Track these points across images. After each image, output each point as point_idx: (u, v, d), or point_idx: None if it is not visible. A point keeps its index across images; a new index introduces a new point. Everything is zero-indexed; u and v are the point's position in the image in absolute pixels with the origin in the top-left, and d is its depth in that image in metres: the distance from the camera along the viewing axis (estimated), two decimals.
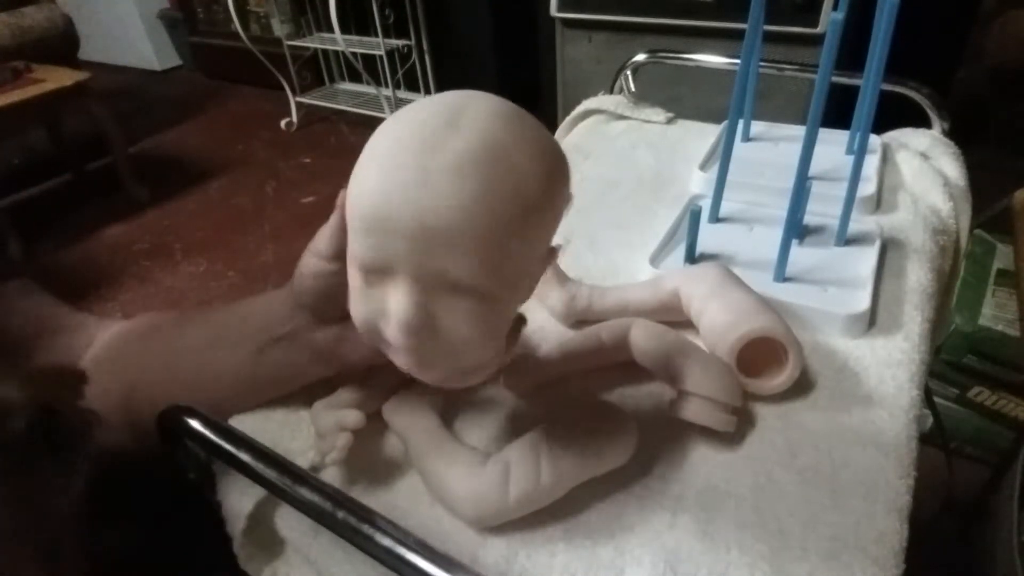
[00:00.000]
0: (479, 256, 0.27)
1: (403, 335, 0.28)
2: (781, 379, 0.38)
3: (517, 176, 0.27)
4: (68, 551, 0.34)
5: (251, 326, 0.39)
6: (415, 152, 0.27)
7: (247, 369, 0.39)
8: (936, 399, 1.07)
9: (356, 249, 0.28)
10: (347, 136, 2.74)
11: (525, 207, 0.28)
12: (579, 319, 0.45)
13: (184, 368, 0.41)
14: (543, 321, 0.47)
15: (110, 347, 0.44)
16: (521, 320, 0.35)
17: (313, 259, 0.34)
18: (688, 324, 0.44)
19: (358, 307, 0.30)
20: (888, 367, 0.41)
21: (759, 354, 0.39)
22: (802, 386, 0.40)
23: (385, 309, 0.28)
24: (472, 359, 0.30)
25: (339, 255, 0.33)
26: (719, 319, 0.40)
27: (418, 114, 0.29)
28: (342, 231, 0.32)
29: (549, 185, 0.29)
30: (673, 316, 0.44)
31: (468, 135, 0.27)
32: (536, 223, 0.29)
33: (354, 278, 0.30)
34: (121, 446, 0.41)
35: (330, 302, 0.35)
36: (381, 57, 2.45)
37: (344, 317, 0.33)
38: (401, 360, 0.30)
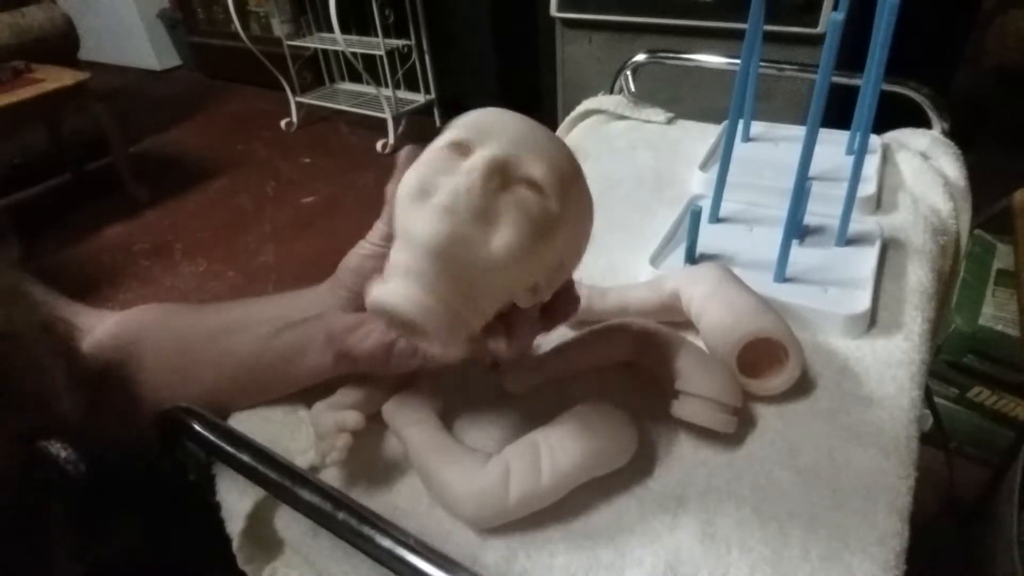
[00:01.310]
0: (549, 163, 0.29)
1: (474, 179, 0.27)
2: (781, 380, 0.38)
3: (565, 146, 0.31)
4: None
5: (272, 312, 0.40)
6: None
7: (255, 350, 0.39)
8: (936, 399, 1.07)
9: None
10: (347, 136, 2.74)
11: (572, 168, 0.31)
12: (579, 319, 0.45)
13: (196, 350, 0.41)
14: None
15: (122, 326, 0.43)
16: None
17: (364, 242, 0.39)
18: (688, 324, 0.44)
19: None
20: (888, 367, 0.41)
21: (759, 354, 0.39)
22: (802, 386, 0.40)
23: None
24: (506, 277, 0.28)
25: (388, 239, 0.35)
26: (719, 320, 0.40)
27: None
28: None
29: (578, 177, 0.31)
30: (673, 316, 0.44)
31: (518, 118, 0.30)
32: (571, 202, 0.30)
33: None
34: (118, 436, 0.41)
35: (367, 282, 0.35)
36: (381, 57, 2.45)
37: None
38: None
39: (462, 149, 0.29)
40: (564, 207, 0.29)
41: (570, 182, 0.30)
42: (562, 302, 0.34)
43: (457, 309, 0.28)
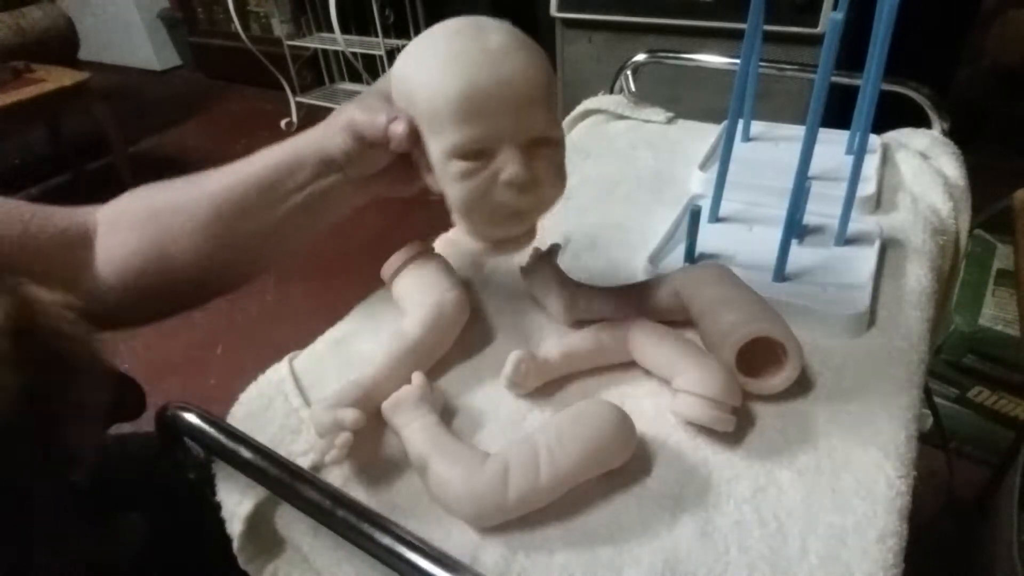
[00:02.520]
0: (551, 109, 0.35)
1: (521, 191, 0.35)
2: (780, 379, 0.38)
3: (542, 53, 0.35)
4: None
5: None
6: (466, 45, 0.33)
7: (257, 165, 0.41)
8: (936, 399, 1.07)
9: (453, 140, 0.34)
10: None
11: (552, 74, 0.36)
12: (579, 319, 0.45)
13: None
14: (543, 321, 0.47)
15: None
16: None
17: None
18: (688, 324, 0.44)
19: (461, 190, 0.35)
20: (888, 367, 0.41)
21: (759, 354, 0.39)
22: (802, 386, 0.40)
23: (494, 181, 0.34)
24: (553, 199, 0.37)
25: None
26: (719, 319, 0.40)
27: (440, 30, 0.36)
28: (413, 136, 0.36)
29: (552, 77, 0.36)
30: (673, 316, 0.44)
31: (497, 29, 0.34)
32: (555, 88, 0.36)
33: (449, 169, 0.35)
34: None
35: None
36: (381, 57, 2.45)
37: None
38: (503, 223, 0.37)
39: (477, 161, 0.34)
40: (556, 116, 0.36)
41: (555, 94, 0.36)
42: None
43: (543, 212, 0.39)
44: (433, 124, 0.34)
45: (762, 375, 0.39)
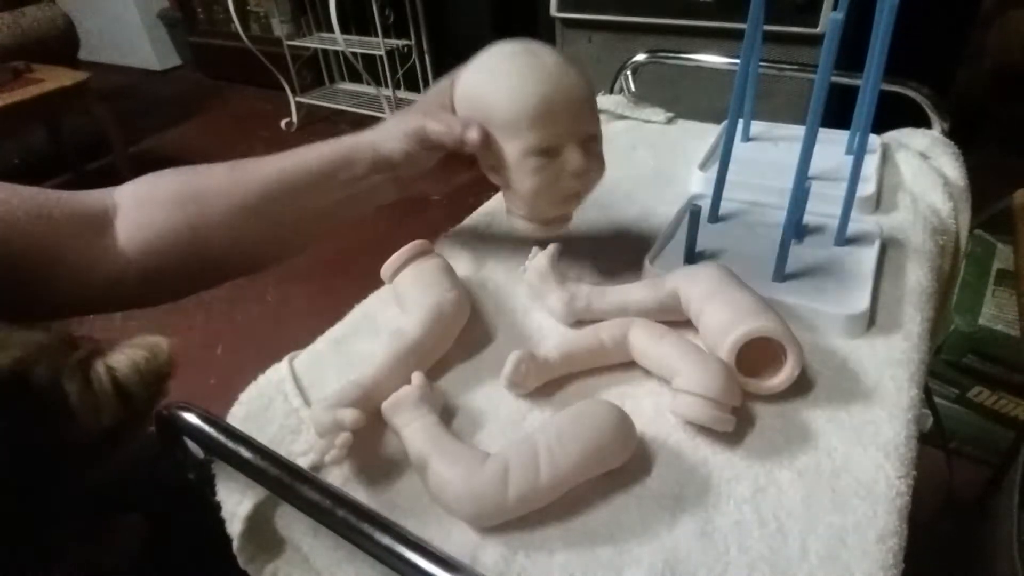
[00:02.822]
0: (596, 111, 0.45)
1: (584, 178, 0.44)
2: (780, 379, 0.38)
3: (582, 67, 0.44)
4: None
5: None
6: (531, 65, 0.42)
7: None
8: (936, 399, 1.07)
9: (530, 142, 0.42)
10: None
11: (592, 91, 0.45)
12: (579, 319, 0.45)
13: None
14: (543, 321, 0.47)
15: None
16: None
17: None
18: (688, 324, 0.44)
19: (536, 180, 0.43)
20: (888, 367, 0.41)
21: (758, 353, 0.39)
22: (802, 386, 0.40)
23: (562, 171, 0.43)
24: (598, 181, 0.46)
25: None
26: (718, 319, 0.40)
27: (499, 53, 0.44)
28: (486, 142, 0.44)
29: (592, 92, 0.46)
30: (673, 316, 0.44)
31: (546, 51, 0.43)
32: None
33: (521, 168, 0.43)
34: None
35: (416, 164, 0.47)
36: (381, 57, 2.45)
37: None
38: (563, 204, 0.47)
39: (546, 157, 0.42)
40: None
41: (595, 98, 0.45)
42: None
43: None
44: (511, 130, 0.42)
45: (762, 375, 0.39)
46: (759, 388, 0.39)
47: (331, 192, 0.47)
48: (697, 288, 0.43)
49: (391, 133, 0.46)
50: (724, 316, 0.40)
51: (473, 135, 0.43)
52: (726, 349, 0.38)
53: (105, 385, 0.31)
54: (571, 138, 0.43)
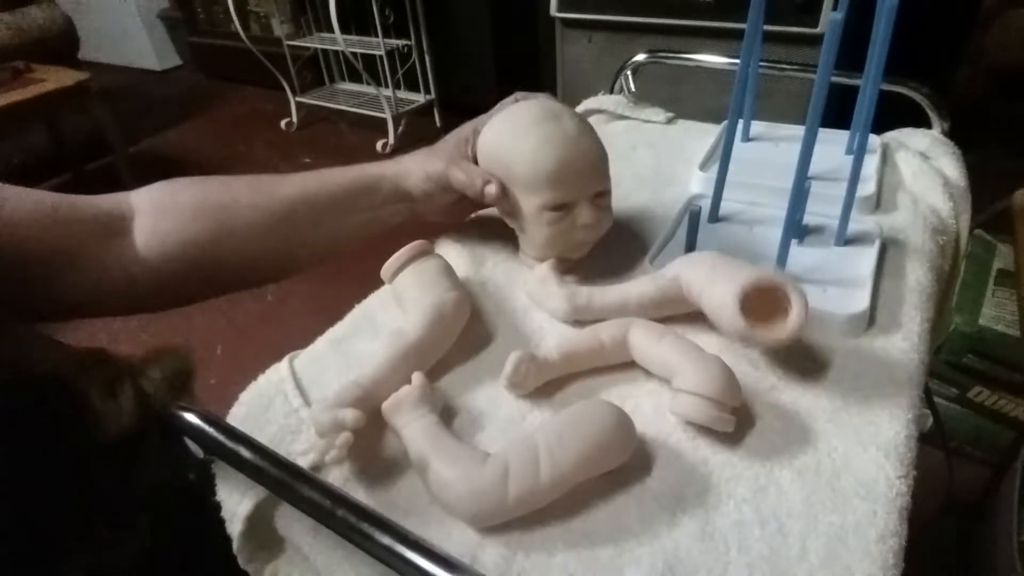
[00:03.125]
0: (607, 173, 0.49)
1: (593, 230, 0.48)
2: (788, 327, 0.37)
3: (595, 131, 0.49)
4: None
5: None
6: (552, 131, 0.46)
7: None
8: (936, 399, 1.07)
9: (547, 199, 0.46)
10: (347, 136, 2.75)
11: (604, 154, 0.49)
12: (580, 316, 0.45)
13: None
14: (543, 321, 0.47)
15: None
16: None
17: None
18: (688, 324, 0.44)
19: (550, 232, 0.47)
20: (887, 367, 0.41)
21: (767, 310, 0.38)
22: (802, 386, 0.40)
23: (574, 224, 0.47)
24: (605, 230, 0.50)
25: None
26: (721, 288, 0.39)
27: (525, 115, 0.48)
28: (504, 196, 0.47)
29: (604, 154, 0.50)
30: (675, 307, 0.44)
31: (567, 115, 0.48)
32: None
33: (538, 220, 0.47)
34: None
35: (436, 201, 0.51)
36: (381, 57, 2.45)
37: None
38: (573, 251, 0.50)
39: (560, 212, 0.46)
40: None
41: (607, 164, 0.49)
42: None
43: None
44: (530, 188, 0.46)
45: (770, 329, 0.38)
46: (768, 339, 0.37)
47: (350, 216, 0.50)
48: (696, 270, 0.42)
49: (414, 172, 0.49)
50: (725, 285, 0.39)
51: (492, 191, 0.46)
52: (731, 309, 0.37)
53: (131, 399, 0.32)
54: (583, 195, 0.46)
